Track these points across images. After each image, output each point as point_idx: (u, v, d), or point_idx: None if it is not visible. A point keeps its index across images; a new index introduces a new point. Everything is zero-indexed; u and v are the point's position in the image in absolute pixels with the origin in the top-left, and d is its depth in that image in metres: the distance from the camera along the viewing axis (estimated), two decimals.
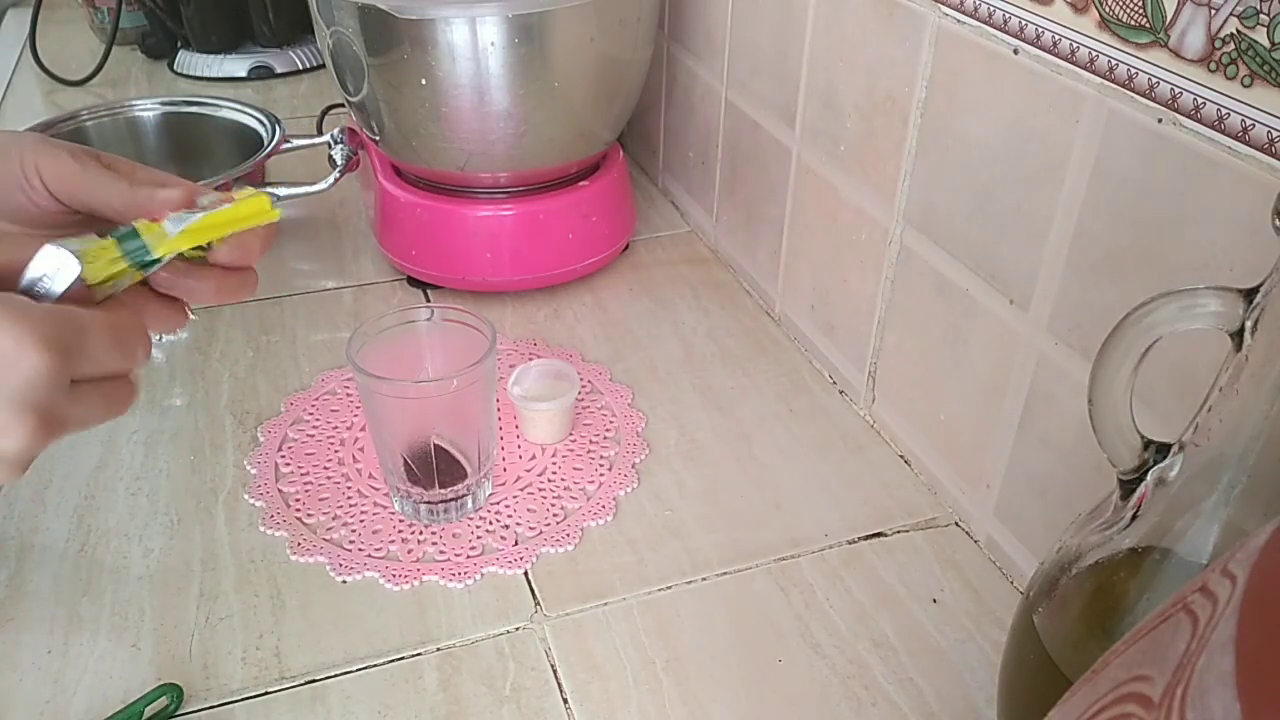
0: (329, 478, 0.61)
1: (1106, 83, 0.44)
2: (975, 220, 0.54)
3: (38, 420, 0.34)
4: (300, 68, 1.24)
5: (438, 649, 0.51)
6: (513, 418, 0.65)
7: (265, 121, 0.87)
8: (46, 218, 0.41)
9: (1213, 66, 0.39)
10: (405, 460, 0.57)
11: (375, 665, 0.50)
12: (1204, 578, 0.20)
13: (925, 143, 0.57)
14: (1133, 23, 0.42)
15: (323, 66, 1.23)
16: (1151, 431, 0.34)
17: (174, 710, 0.48)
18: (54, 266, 0.36)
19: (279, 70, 1.22)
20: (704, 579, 0.56)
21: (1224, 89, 0.39)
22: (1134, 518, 0.34)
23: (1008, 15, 0.49)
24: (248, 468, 0.62)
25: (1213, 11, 0.39)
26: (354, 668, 0.50)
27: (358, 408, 0.67)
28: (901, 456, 0.64)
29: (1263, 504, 0.31)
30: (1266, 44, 0.37)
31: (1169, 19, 0.40)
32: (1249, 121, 0.38)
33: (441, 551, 0.57)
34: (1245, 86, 0.38)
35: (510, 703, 0.49)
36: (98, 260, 0.37)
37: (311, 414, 0.67)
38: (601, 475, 0.62)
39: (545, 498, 0.60)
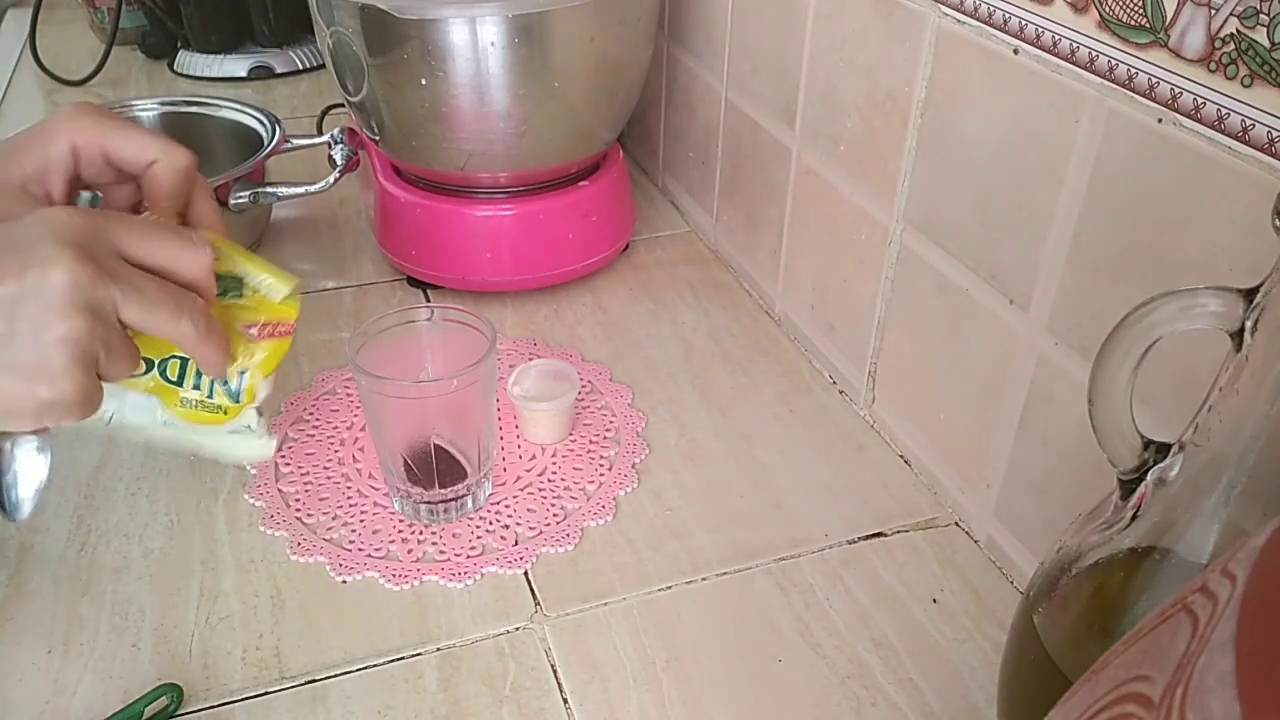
0: (329, 478, 0.61)
1: (1106, 83, 0.44)
2: (975, 220, 0.54)
3: (76, 251, 0.38)
4: (300, 68, 1.24)
5: (438, 649, 0.51)
6: (513, 418, 0.65)
7: (265, 121, 0.87)
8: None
9: (1213, 66, 0.39)
10: (405, 460, 0.57)
11: (375, 665, 0.50)
12: (1204, 578, 0.20)
13: (925, 143, 0.57)
14: (1133, 23, 0.42)
15: (323, 66, 1.23)
16: (1151, 431, 0.34)
17: (174, 710, 0.48)
18: None
19: (279, 70, 1.22)
20: (704, 579, 0.56)
21: (1224, 89, 0.39)
22: (1134, 518, 0.34)
23: (1008, 15, 0.49)
24: (248, 468, 0.62)
25: (1213, 11, 0.39)
26: (354, 668, 0.50)
27: (358, 408, 0.67)
28: (901, 456, 0.64)
29: (1263, 504, 0.31)
30: (1266, 44, 0.37)
31: (1169, 19, 0.40)
32: (1249, 121, 0.38)
33: (441, 551, 0.57)
34: (1245, 86, 0.38)
35: (510, 703, 0.49)
36: None
37: (311, 414, 0.67)
38: (601, 475, 0.62)
39: (545, 498, 0.60)
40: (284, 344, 0.47)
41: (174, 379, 0.46)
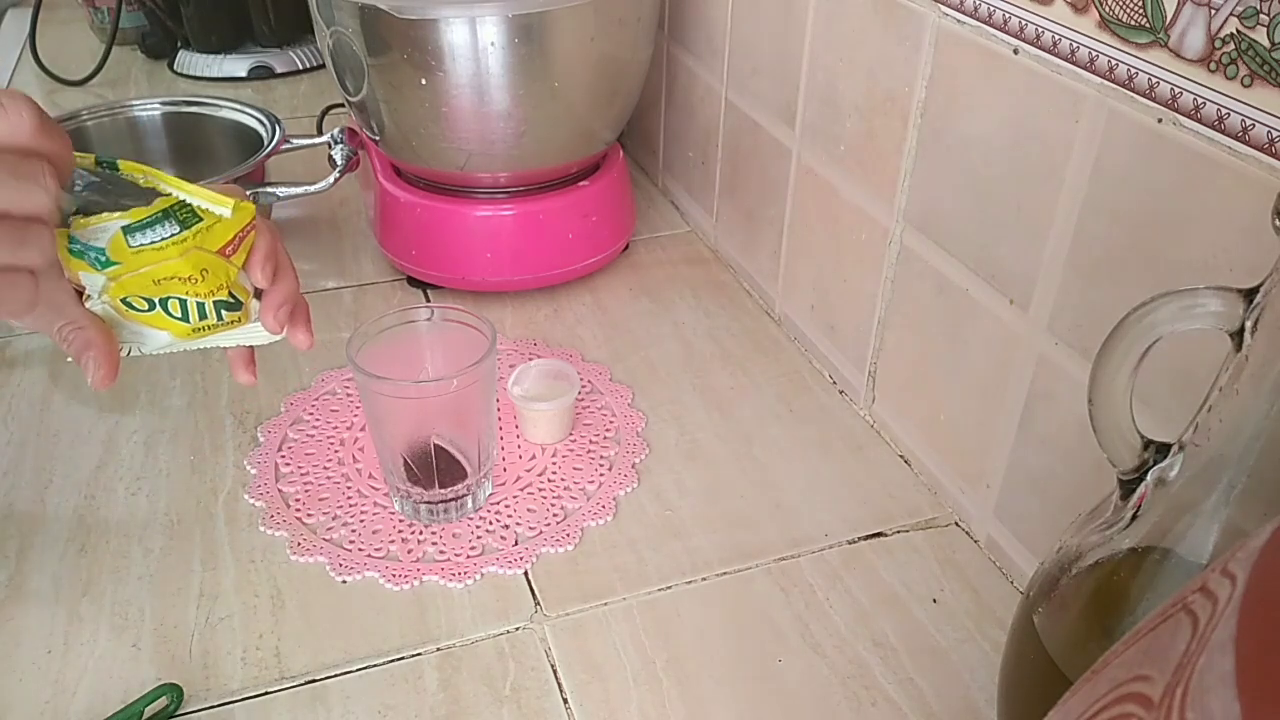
0: (329, 478, 0.61)
1: (1106, 83, 0.44)
2: (975, 220, 0.54)
3: None
4: (300, 68, 1.24)
5: (438, 649, 0.51)
6: (513, 418, 0.65)
7: (265, 121, 0.87)
8: None
9: (1213, 66, 0.39)
10: (405, 460, 0.57)
11: (375, 665, 0.50)
12: (1204, 578, 0.20)
13: (925, 143, 0.57)
14: (1133, 23, 0.42)
15: (323, 66, 1.23)
16: (1151, 431, 0.34)
17: (174, 710, 0.48)
18: None
19: (279, 70, 1.22)
20: (704, 579, 0.56)
21: (1224, 89, 0.39)
22: (1134, 518, 0.34)
23: (1008, 15, 0.49)
24: (248, 468, 0.62)
25: (1213, 11, 0.39)
26: (354, 668, 0.50)
27: (358, 408, 0.67)
28: (901, 456, 0.64)
29: (1263, 504, 0.31)
30: (1266, 44, 0.37)
31: (1169, 19, 0.40)
32: (1249, 121, 0.38)
33: (441, 551, 0.57)
34: (1245, 86, 0.38)
35: (510, 703, 0.49)
36: None
37: (311, 414, 0.67)
38: (601, 475, 0.62)
39: (545, 498, 0.60)
40: (251, 238, 0.46)
41: (177, 315, 0.45)
